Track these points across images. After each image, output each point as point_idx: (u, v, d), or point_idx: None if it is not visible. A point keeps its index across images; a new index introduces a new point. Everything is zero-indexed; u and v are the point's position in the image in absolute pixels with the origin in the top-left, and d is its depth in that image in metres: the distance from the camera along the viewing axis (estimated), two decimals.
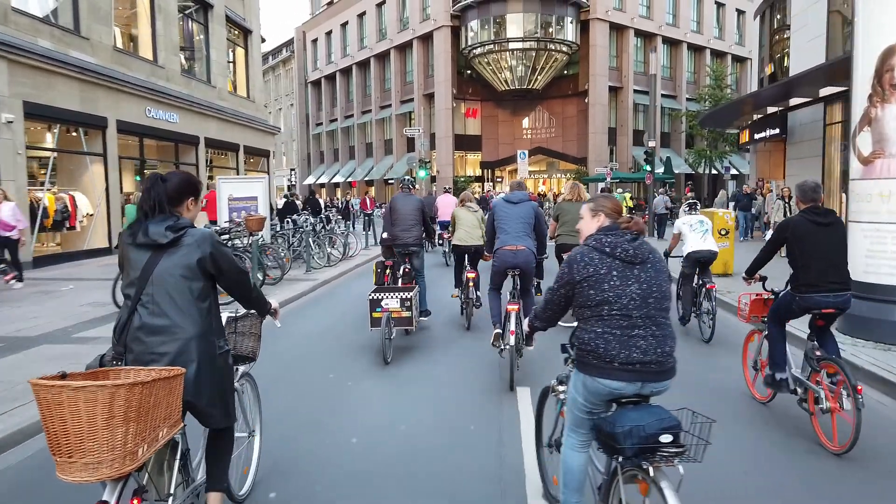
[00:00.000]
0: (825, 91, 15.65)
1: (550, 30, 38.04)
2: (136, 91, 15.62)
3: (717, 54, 43.77)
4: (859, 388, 3.70)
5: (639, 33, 40.51)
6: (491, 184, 42.79)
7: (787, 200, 12.61)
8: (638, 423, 2.25)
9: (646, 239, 2.70)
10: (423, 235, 7.53)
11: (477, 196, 23.70)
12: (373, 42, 47.21)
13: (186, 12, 19.09)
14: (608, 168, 32.40)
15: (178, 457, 2.47)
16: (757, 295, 4.85)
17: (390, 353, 5.92)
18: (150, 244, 2.44)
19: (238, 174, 21.12)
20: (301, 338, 7.04)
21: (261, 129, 23.57)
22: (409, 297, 6.06)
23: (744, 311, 4.95)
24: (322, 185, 53.64)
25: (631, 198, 25.95)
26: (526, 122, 43.99)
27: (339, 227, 15.80)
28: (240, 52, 23.16)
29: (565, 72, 41.02)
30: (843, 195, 16.46)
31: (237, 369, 3.09)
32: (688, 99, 41.55)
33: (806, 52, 16.56)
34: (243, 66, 23.38)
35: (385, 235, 7.68)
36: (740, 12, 45.94)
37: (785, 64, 19.60)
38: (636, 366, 2.44)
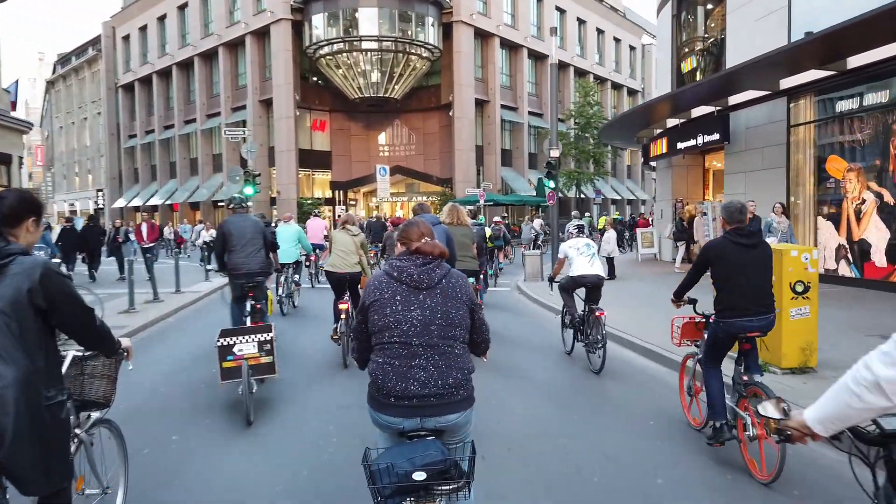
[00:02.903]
0: (789, 82, 11.90)
1: (409, 31, 33.16)
2: None
3: (580, 73, 41.93)
4: None
5: (504, 43, 37.10)
6: (344, 207, 36.66)
7: None
8: (391, 461, 2.13)
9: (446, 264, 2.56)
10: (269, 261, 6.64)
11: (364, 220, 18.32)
12: (197, 38, 39.20)
13: None
14: (481, 189, 27.93)
15: None
16: (689, 318, 4.71)
17: (253, 412, 4.79)
18: None
19: None
20: None
21: None
22: (268, 338, 4.95)
23: (676, 334, 4.84)
24: (136, 209, 44.01)
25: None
26: (382, 138, 38.58)
27: None
28: None
29: (426, 82, 36.36)
30: (819, 219, 12.76)
31: (88, 416, 2.80)
32: None
33: (752, 35, 12.81)
34: None
35: (227, 268, 6.42)
36: (600, 31, 44.83)
37: (699, 60, 16.07)
38: (413, 400, 2.32)
